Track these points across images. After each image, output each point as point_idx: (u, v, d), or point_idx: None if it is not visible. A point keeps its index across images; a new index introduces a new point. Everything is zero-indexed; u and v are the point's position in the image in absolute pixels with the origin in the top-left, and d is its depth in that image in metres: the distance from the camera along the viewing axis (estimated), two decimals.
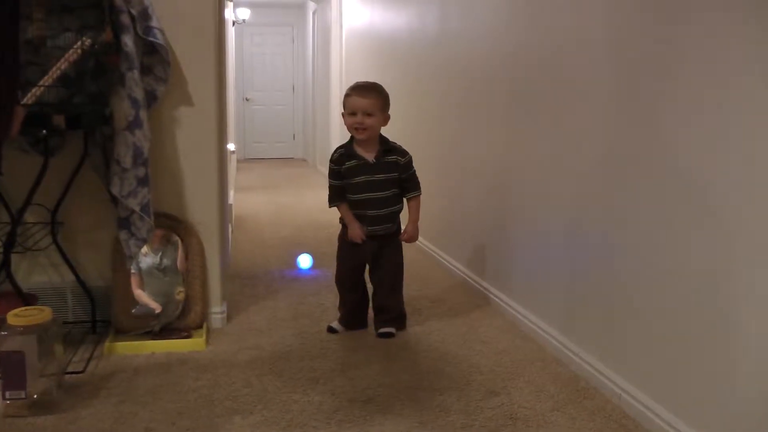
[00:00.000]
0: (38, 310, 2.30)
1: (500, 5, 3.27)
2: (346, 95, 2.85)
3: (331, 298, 3.43)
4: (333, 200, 2.97)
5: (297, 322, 3.10)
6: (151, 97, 2.79)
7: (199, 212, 2.96)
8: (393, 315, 2.97)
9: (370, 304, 3.05)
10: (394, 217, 2.95)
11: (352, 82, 2.98)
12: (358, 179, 2.87)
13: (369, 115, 2.80)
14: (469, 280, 3.67)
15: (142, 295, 2.83)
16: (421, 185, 2.95)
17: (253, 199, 6.87)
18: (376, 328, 2.95)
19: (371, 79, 3.03)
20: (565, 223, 2.67)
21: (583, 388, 2.41)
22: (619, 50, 2.29)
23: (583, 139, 2.51)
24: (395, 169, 2.88)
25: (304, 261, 4.10)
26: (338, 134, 8.01)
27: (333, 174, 2.93)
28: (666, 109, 2.04)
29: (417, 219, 2.95)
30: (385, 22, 5.62)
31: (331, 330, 2.97)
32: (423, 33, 4.59)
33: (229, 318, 3.11)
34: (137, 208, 2.65)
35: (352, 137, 2.90)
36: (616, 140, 2.31)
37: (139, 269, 2.85)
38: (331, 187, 2.96)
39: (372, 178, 2.86)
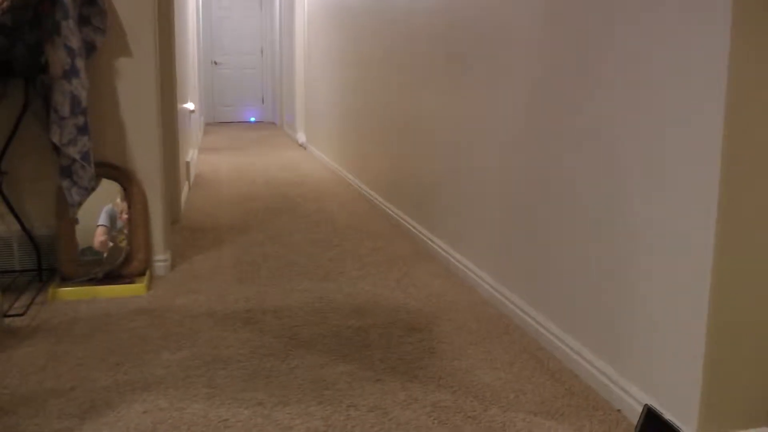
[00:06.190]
0: None
1: None
2: None
3: (276, 248, 3.53)
4: None
5: (238, 269, 3.19)
6: (90, 47, 2.83)
7: (141, 161, 3.01)
8: None
9: None
10: None
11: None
12: None
13: None
14: (412, 228, 3.77)
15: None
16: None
17: (217, 160, 6.90)
18: None
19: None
20: (496, 174, 2.76)
21: (504, 325, 2.53)
22: (547, 29, 2.37)
23: (513, 97, 2.59)
24: None
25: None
26: (303, 97, 8.04)
27: None
28: (582, 77, 2.13)
29: None
30: None
31: None
32: None
33: (173, 266, 3.19)
34: (77, 156, 2.71)
35: None
36: (543, 99, 2.40)
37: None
38: None
39: None
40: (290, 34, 8.73)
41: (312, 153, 7.41)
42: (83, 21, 2.79)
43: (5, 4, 2.52)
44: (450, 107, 3.22)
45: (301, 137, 8.00)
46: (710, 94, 1.58)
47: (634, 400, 1.86)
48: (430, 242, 3.50)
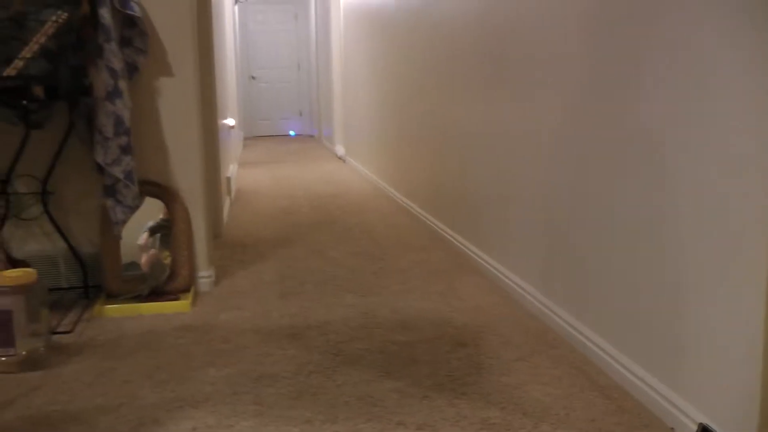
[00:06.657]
0: (24, 272, 2.40)
1: None
2: None
3: (318, 262, 3.52)
4: None
5: (281, 284, 3.19)
6: (132, 68, 2.87)
7: (183, 179, 3.03)
8: None
9: None
10: None
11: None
12: None
13: None
14: (454, 240, 3.74)
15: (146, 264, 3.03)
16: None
17: (256, 174, 6.96)
18: None
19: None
20: (540, 185, 2.73)
21: (551, 339, 2.48)
22: (589, 33, 2.34)
23: (558, 107, 2.56)
24: None
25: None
26: (341, 109, 8.07)
27: None
28: (621, 81, 2.09)
29: None
30: None
31: None
32: (408, 3, 4.64)
33: (217, 282, 3.20)
34: (121, 176, 2.74)
35: None
36: (589, 109, 2.36)
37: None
38: None
39: None
40: (326, 46, 8.78)
41: (351, 165, 7.42)
42: (125, 42, 2.83)
43: (50, 30, 2.56)
44: (492, 118, 3.19)
45: (340, 150, 8.03)
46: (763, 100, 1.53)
47: (688, 418, 1.80)
48: (472, 254, 3.47)
